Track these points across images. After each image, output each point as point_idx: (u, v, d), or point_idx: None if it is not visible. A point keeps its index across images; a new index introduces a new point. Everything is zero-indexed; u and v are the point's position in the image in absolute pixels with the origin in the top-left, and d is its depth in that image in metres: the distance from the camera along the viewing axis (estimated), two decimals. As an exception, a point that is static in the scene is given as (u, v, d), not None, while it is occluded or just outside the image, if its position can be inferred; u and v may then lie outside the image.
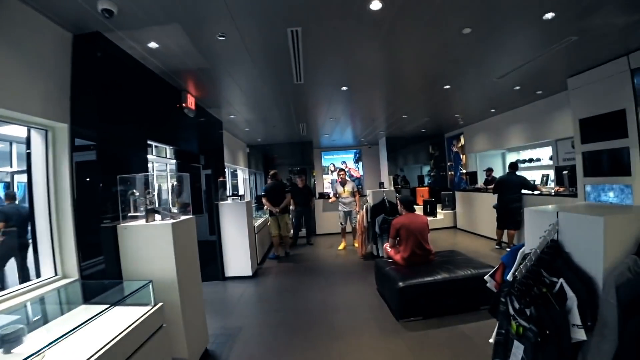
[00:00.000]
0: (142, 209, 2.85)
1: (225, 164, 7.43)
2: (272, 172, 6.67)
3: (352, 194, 6.83)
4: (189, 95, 4.43)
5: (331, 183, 12.92)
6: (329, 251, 6.93)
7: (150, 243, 2.67)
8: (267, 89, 4.56)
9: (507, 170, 6.34)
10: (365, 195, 7.25)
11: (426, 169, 15.33)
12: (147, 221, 2.74)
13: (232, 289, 5.04)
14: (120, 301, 2.22)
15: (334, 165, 12.92)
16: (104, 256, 2.65)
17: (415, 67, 4.11)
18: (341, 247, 6.97)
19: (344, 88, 4.66)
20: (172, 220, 2.71)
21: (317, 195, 9.63)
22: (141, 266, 2.69)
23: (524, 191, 5.96)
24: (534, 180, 6.39)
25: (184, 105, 4.34)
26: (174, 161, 5.10)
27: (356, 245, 6.86)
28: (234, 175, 9.88)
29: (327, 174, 12.94)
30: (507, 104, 6.48)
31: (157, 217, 2.86)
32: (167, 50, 3.08)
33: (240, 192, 9.57)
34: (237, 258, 5.47)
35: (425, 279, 3.33)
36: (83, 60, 2.60)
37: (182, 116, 4.49)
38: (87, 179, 2.63)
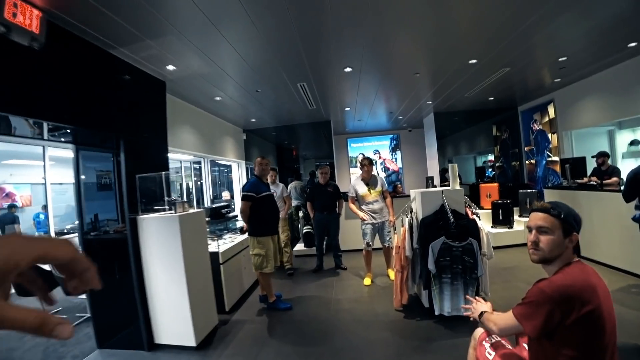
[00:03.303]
0: None
1: (195, 153, 5.07)
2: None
3: (382, 195, 4.17)
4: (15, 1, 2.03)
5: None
6: (347, 289, 4.28)
7: None
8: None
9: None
10: (406, 197, 4.55)
11: (481, 160, 12.12)
12: None
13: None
14: None
15: (363, 156, 10.18)
16: None
17: None
18: (366, 281, 4.31)
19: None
20: None
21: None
22: None
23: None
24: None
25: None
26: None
27: (390, 276, 4.18)
28: (223, 169, 7.57)
29: (356, 166, 10.24)
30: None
31: None
32: None
33: (235, 191, 7.18)
34: (170, 315, 3.05)
35: None
36: None
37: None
38: None
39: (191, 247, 3.05)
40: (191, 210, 3.22)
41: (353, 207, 4.27)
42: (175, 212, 3.01)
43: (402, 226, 3.33)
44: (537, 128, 6.97)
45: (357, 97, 5.42)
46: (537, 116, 6.93)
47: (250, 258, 3.73)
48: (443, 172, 8.40)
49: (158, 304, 3.07)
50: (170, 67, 3.41)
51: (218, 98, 4.63)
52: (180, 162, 6.48)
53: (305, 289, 4.36)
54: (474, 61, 3.99)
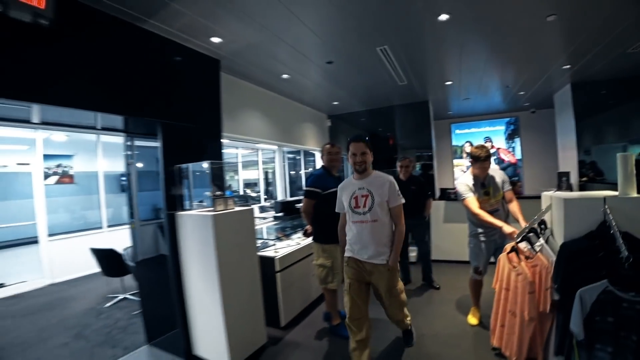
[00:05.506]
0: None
1: (264, 140, 4.64)
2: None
3: (504, 196, 2.92)
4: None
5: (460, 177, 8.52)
6: (437, 320, 3.24)
7: None
8: None
9: None
10: (528, 199, 3.32)
11: (634, 150, 8.98)
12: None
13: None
14: None
15: (471, 145, 8.48)
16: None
17: None
18: (472, 320, 3.11)
19: None
20: None
21: (438, 194, 5.93)
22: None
23: None
24: None
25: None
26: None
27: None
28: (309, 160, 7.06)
29: (461, 157, 8.64)
30: None
31: None
32: None
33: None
34: (206, 327, 2.60)
35: None
36: None
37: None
38: None
39: (231, 251, 2.52)
40: (237, 208, 2.68)
41: (482, 212, 2.73)
42: (215, 210, 2.50)
43: (533, 250, 2.17)
44: None
45: (461, 65, 4.12)
46: None
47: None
48: (585, 167, 6.33)
49: (196, 313, 2.66)
50: (216, 40, 2.88)
51: (285, 76, 4.00)
52: (274, 151, 6.18)
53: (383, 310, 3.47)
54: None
